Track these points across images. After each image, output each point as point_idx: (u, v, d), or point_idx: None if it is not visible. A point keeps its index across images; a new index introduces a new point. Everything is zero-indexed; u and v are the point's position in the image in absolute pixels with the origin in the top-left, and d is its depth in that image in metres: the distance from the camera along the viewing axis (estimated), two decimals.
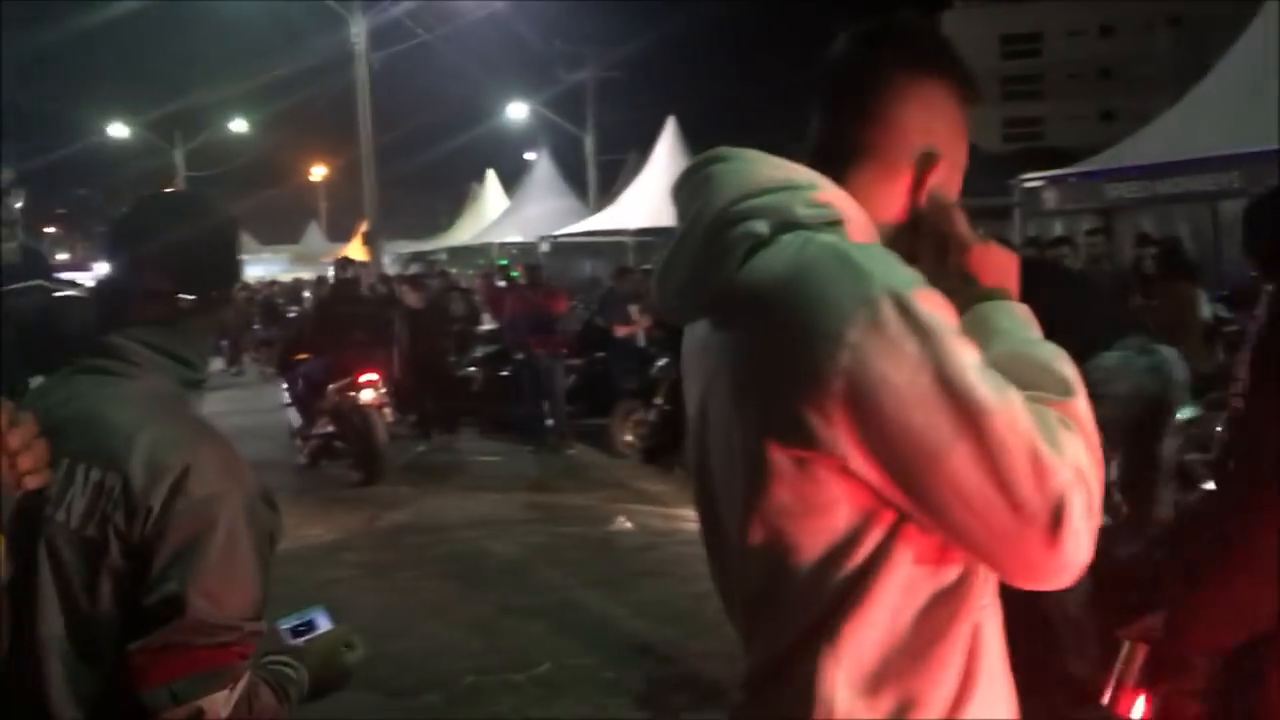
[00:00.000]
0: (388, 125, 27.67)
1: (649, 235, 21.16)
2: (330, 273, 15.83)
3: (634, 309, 11.91)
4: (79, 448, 1.66)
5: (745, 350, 1.28)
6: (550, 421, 11.62)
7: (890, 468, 1.18)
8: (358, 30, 20.49)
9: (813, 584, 1.25)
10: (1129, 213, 13.63)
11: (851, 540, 1.23)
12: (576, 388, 12.23)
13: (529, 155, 31.84)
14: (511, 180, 31.22)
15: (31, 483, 1.42)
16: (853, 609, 1.23)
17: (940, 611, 1.25)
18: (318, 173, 50.39)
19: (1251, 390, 1.73)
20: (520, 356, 11.91)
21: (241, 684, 1.63)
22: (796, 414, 1.19)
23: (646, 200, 19.86)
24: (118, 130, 39.18)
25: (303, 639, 1.88)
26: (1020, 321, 1.33)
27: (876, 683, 1.24)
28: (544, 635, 5.73)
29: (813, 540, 1.24)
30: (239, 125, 38.17)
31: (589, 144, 29.56)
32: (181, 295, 1.77)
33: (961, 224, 1.39)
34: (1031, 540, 1.15)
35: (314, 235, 41.15)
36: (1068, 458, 1.15)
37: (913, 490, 1.18)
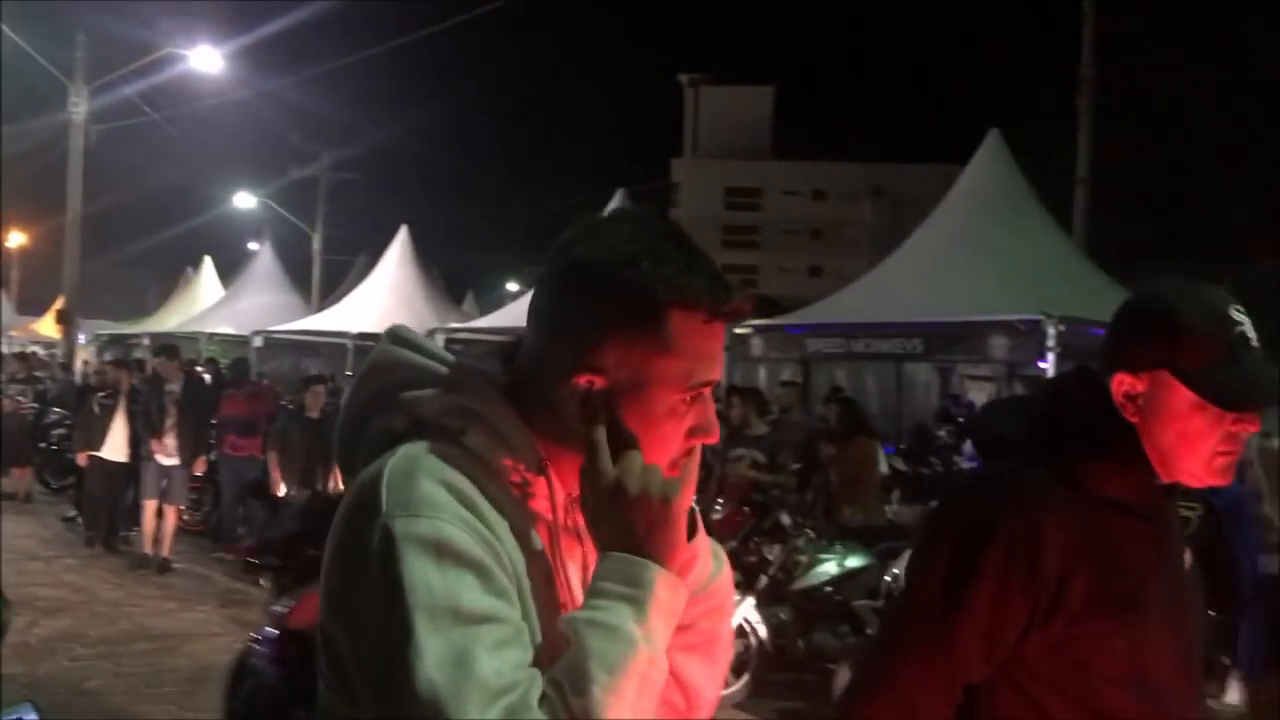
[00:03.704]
0: (101, 198, 26.19)
1: (370, 340, 20.78)
2: None
3: None
4: None
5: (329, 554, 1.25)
6: (241, 529, 11.08)
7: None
8: (77, 99, 19.44)
9: None
10: (826, 365, 14.64)
11: None
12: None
13: (253, 245, 30.81)
14: (231, 270, 30.06)
15: None
16: None
17: None
18: (14, 239, 46.62)
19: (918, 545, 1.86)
20: (214, 457, 11.45)
21: None
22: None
23: (371, 305, 19.58)
24: None
25: None
26: (611, 596, 1.19)
27: None
28: None
29: None
30: None
31: (316, 241, 28.97)
32: None
33: (602, 461, 1.24)
34: None
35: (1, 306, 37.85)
36: None
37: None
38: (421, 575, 1.11)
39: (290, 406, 11.40)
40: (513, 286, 40.45)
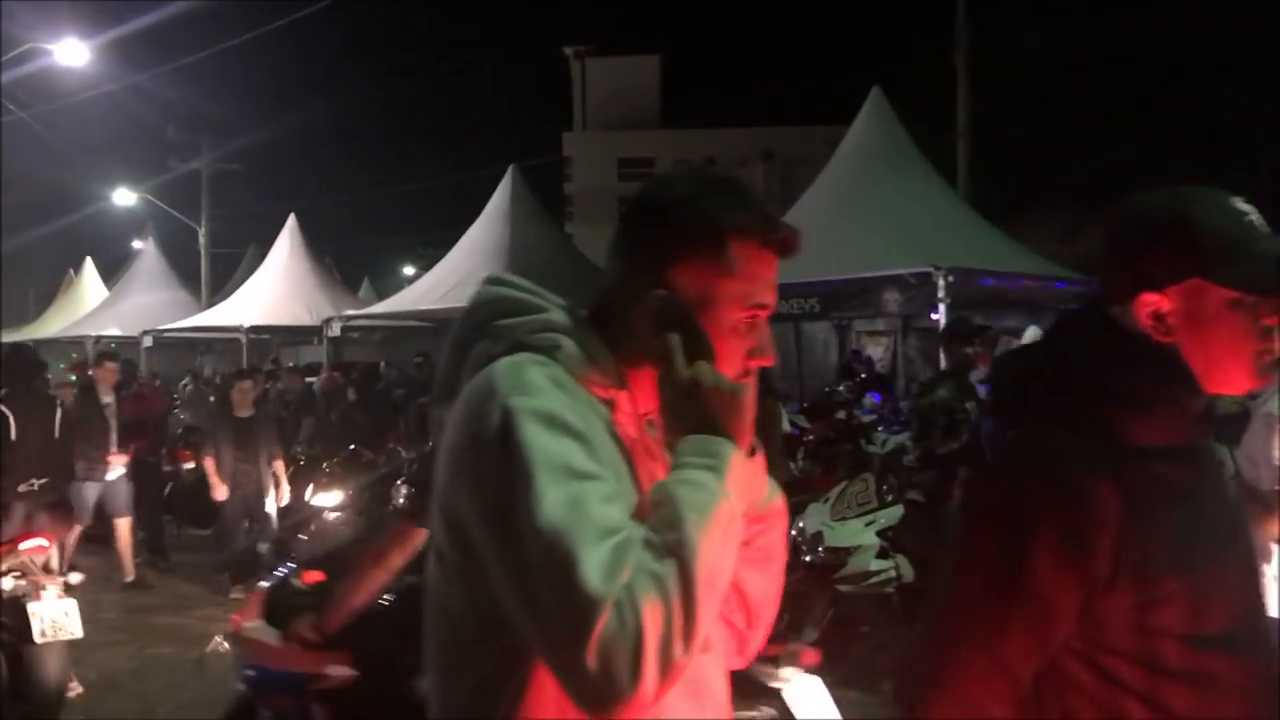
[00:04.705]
0: None
1: (265, 333, 20.31)
2: None
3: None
4: None
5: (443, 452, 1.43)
6: (142, 535, 10.74)
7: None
8: None
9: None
10: None
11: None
12: (178, 495, 11.48)
13: (137, 244, 29.84)
14: (115, 270, 29.11)
15: None
16: None
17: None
18: None
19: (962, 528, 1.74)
20: None
21: None
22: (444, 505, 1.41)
23: (263, 297, 19.14)
24: None
25: None
26: (694, 466, 1.35)
27: None
28: None
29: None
30: None
31: (202, 236, 28.17)
32: None
33: (678, 362, 1.43)
34: (559, 650, 1.23)
35: None
36: (613, 585, 1.20)
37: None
38: (538, 438, 1.30)
39: (177, 407, 10.97)
40: (409, 270, 39.91)
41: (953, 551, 1.73)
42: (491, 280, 1.59)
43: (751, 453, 1.45)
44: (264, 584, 4.24)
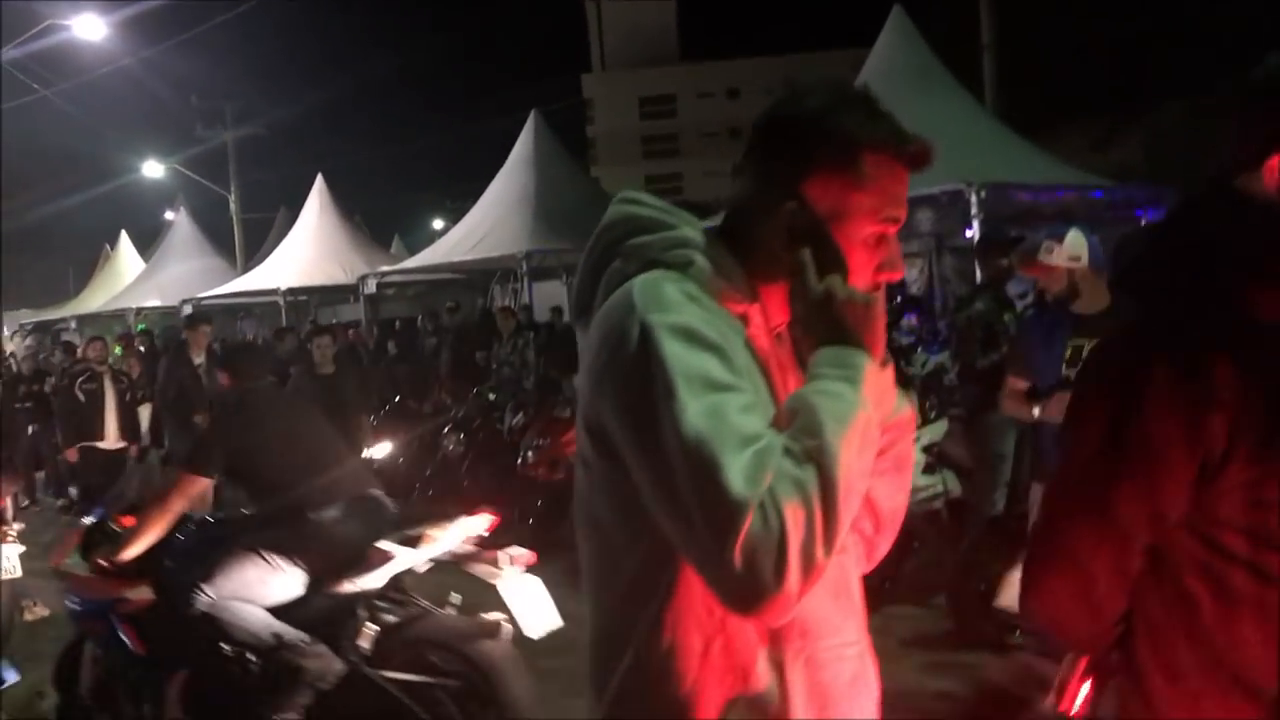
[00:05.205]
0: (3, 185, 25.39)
1: (302, 294, 20.49)
2: None
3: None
4: None
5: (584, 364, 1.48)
6: None
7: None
8: None
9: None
10: None
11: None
12: None
13: (169, 215, 30.09)
14: (149, 242, 29.39)
15: None
16: None
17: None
18: None
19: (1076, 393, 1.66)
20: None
21: None
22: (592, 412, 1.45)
23: (298, 258, 19.29)
24: None
25: None
26: (830, 377, 1.38)
27: None
28: None
29: (622, 525, 1.45)
30: None
31: (233, 202, 28.36)
32: None
33: (810, 275, 1.46)
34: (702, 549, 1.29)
35: None
36: (756, 488, 1.25)
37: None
38: (677, 352, 1.34)
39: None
40: (438, 224, 39.98)
41: (1065, 426, 1.67)
42: (622, 199, 1.60)
43: (883, 364, 1.45)
44: (84, 521, 4.84)
